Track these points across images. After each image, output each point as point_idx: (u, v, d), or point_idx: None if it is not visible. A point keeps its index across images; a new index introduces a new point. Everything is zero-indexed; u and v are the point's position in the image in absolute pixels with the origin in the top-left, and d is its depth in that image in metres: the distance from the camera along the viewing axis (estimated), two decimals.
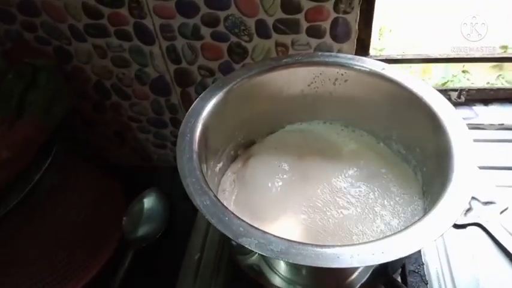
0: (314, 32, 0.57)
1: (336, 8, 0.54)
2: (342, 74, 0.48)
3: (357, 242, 0.35)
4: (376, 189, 0.46)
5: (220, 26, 0.58)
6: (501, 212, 0.52)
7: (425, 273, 0.47)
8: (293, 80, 0.49)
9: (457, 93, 0.68)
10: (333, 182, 0.47)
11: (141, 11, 0.58)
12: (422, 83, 0.44)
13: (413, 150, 0.47)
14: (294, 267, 0.43)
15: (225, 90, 0.45)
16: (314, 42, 0.58)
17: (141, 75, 0.68)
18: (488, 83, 0.71)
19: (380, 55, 0.65)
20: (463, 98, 0.69)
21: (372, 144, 0.52)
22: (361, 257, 0.30)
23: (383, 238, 0.31)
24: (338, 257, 0.30)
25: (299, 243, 0.31)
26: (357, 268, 0.42)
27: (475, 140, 0.38)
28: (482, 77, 0.73)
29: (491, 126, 0.66)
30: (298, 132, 0.54)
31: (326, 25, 0.56)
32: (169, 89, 0.70)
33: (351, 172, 0.48)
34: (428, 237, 0.31)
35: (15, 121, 0.55)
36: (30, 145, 0.55)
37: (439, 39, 0.66)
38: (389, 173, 0.48)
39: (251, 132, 0.53)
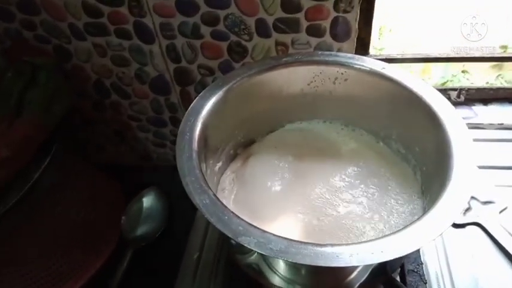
0: (314, 31, 0.57)
1: (336, 7, 0.54)
2: (342, 73, 0.48)
3: (356, 241, 0.35)
4: (375, 188, 0.46)
5: (220, 25, 0.58)
6: (500, 212, 0.52)
7: (425, 272, 0.47)
8: (293, 79, 0.49)
9: (456, 92, 0.68)
10: (333, 181, 0.47)
11: (141, 9, 0.58)
12: (422, 82, 0.44)
13: (413, 150, 0.47)
14: (294, 267, 0.42)
15: (224, 89, 0.45)
16: (314, 41, 0.58)
17: (141, 74, 0.68)
18: (487, 82, 0.71)
19: (380, 54, 0.65)
20: (462, 98, 0.69)
21: (371, 144, 0.52)
22: (360, 256, 0.30)
23: (382, 237, 0.31)
24: (337, 256, 0.30)
25: (298, 242, 0.31)
26: (356, 267, 0.42)
27: (475, 140, 0.38)
28: (481, 76, 0.73)
29: (491, 126, 0.66)
30: (298, 131, 0.54)
31: (326, 24, 0.56)
32: (169, 88, 0.70)
33: (350, 171, 0.48)
34: (427, 236, 0.31)
35: (15, 120, 0.55)
36: (29, 144, 0.55)
37: (439, 39, 0.66)
38: (388, 172, 0.48)
39: (251, 131, 0.52)
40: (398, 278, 0.47)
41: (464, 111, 0.68)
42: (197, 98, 0.44)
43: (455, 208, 0.33)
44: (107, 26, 0.61)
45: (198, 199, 0.34)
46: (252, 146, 0.53)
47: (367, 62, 0.47)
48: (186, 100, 0.72)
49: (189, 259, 0.52)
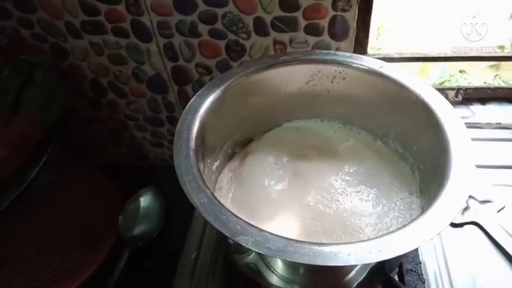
0: (312, 30, 0.57)
1: (334, 6, 0.54)
2: (340, 72, 0.48)
3: (355, 240, 0.35)
4: (373, 187, 0.46)
5: (218, 24, 0.58)
6: (498, 211, 0.52)
7: (423, 272, 0.47)
8: (291, 77, 0.49)
9: (454, 92, 0.69)
10: (330, 179, 0.47)
11: (139, 8, 0.57)
12: (420, 81, 0.44)
13: (411, 149, 0.47)
14: (292, 266, 0.42)
15: (222, 87, 0.45)
16: (312, 40, 0.58)
17: (138, 72, 0.68)
18: (485, 82, 0.71)
19: (378, 54, 0.65)
20: (460, 97, 0.69)
21: (369, 142, 0.51)
22: (358, 255, 0.29)
23: (380, 236, 0.31)
24: (335, 255, 0.29)
25: (296, 241, 0.30)
26: (354, 266, 0.42)
27: (472, 139, 0.37)
28: (479, 76, 0.73)
29: (489, 125, 0.66)
30: (296, 130, 0.54)
31: (324, 23, 0.56)
32: (167, 86, 0.70)
33: (348, 170, 0.48)
34: (425, 235, 0.31)
35: (11, 118, 0.55)
36: (26, 142, 0.55)
37: (437, 39, 0.66)
38: (386, 171, 0.48)
39: (249, 130, 0.52)
40: (396, 278, 0.47)
41: (462, 111, 0.68)
42: (195, 96, 0.44)
43: (453, 207, 0.33)
44: (104, 24, 0.60)
45: (195, 198, 0.34)
46: (250, 145, 0.53)
47: (365, 61, 0.47)
48: (184, 99, 0.71)
49: (187, 259, 0.52)
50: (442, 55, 0.62)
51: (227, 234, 0.31)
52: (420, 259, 0.48)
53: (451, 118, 0.40)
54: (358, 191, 0.46)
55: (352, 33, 0.57)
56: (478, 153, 0.59)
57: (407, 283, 0.45)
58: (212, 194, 0.34)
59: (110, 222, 0.69)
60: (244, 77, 0.46)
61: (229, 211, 0.33)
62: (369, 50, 0.62)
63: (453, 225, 0.51)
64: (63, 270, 0.62)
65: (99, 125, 0.80)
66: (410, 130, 0.46)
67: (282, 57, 0.48)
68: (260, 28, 0.57)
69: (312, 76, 0.49)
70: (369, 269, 0.43)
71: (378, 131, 0.51)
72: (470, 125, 0.66)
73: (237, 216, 0.32)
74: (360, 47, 0.60)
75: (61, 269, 0.62)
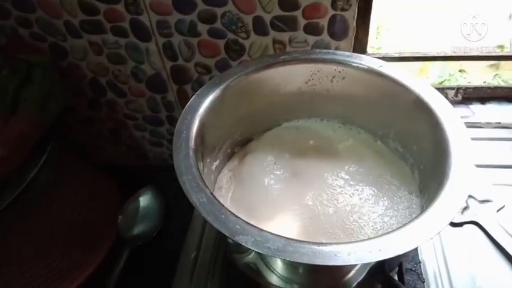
0: (312, 29, 0.57)
1: (333, 5, 0.53)
2: (340, 72, 0.48)
3: (354, 240, 0.35)
4: (373, 187, 0.46)
5: (217, 23, 0.58)
6: (498, 210, 0.52)
7: (422, 271, 0.47)
8: (290, 77, 0.49)
9: (454, 91, 0.69)
10: (330, 179, 0.47)
11: (138, 7, 0.57)
12: (420, 80, 0.44)
13: (411, 148, 0.47)
14: (291, 266, 0.42)
15: (222, 87, 0.45)
16: (311, 39, 0.58)
17: (137, 72, 0.68)
18: (485, 82, 0.71)
19: (377, 53, 0.65)
20: (460, 97, 0.69)
21: (369, 142, 0.51)
22: (358, 254, 0.29)
23: (380, 236, 0.31)
24: (335, 255, 0.29)
25: (296, 240, 0.30)
26: (354, 266, 0.42)
27: (472, 139, 0.37)
28: (479, 76, 0.73)
29: (488, 125, 0.66)
30: (295, 129, 0.54)
31: (324, 22, 0.56)
32: (166, 86, 0.70)
33: (347, 169, 0.48)
34: (425, 235, 0.31)
35: (10, 117, 0.55)
36: (25, 142, 0.55)
37: (437, 39, 0.66)
38: (386, 170, 0.48)
39: (248, 129, 0.52)
40: (396, 277, 0.47)
41: (461, 110, 0.68)
42: (194, 96, 0.44)
43: (453, 207, 0.33)
44: (103, 23, 0.60)
45: (195, 198, 0.34)
46: (249, 144, 0.53)
47: (364, 60, 0.47)
48: (183, 98, 0.71)
49: (186, 258, 0.52)
50: (442, 54, 0.62)
51: (227, 234, 0.31)
52: (420, 258, 0.48)
53: (451, 117, 0.40)
54: (358, 191, 0.46)
55: (351, 33, 0.57)
56: (478, 153, 0.59)
57: (407, 282, 0.45)
58: (211, 193, 0.34)
59: (109, 221, 0.69)
60: (244, 76, 0.46)
61: (229, 211, 0.33)
62: (369, 50, 0.62)
63: (453, 224, 0.51)
64: (63, 270, 0.62)
65: (98, 125, 0.80)
66: (410, 130, 0.46)
67: (282, 57, 0.48)
68: (259, 27, 0.57)
69: (311, 75, 0.49)
70: (368, 268, 0.43)
71: (378, 131, 0.51)
72: (470, 125, 0.66)
73: (237, 216, 0.32)
74: (360, 46, 0.60)
75: (60, 269, 0.62)
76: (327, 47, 0.58)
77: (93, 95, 0.73)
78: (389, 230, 0.36)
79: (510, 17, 0.64)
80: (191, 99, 0.43)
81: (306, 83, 0.50)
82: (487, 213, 0.52)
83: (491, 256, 0.48)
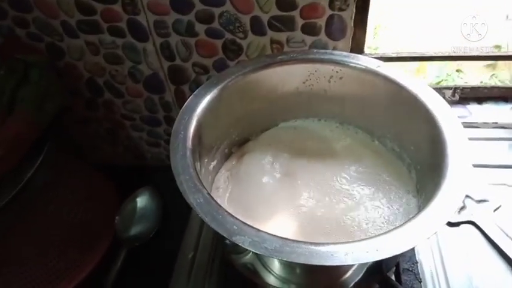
0: (309, 29, 0.57)
1: (331, 5, 0.53)
2: (337, 72, 0.48)
3: (351, 240, 0.35)
4: (370, 186, 0.46)
5: (215, 23, 0.58)
6: (494, 210, 0.52)
7: (419, 271, 0.47)
8: (288, 77, 0.49)
9: (451, 91, 0.69)
10: (328, 179, 0.47)
11: (135, 7, 0.57)
12: (418, 80, 0.44)
13: (408, 148, 0.47)
14: (288, 266, 0.42)
15: (219, 87, 0.45)
16: (309, 39, 0.58)
17: (135, 72, 0.67)
18: (482, 82, 0.71)
19: (375, 53, 0.65)
20: (457, 97, 0.69)
21: (366, 142, 0.51)
22: (355, 254, 0.29)
23: (377, 236, 0.31)
24: (332, 255, 0.29)
25: (293, 241, 0.30)
26: (351, 266, 0.42)
27: (469, 138, 0.37)
28: (476, 76, 0.73)
29: (485, 125, 0.66)
30: (293, 129, 0.54)
31: (321, 22, 0.56)
32: (163, 86, 0.69)
33: (345, 169, 0.48)
34: (422, 234, 0.31)
35: (7, 117, 0.55)
36: (21, 142, 0.55)
37: (437, 39, 0.66)
38: (383, 170, 0.48)
39: (246, 130, 0.52)
40: (393, 277, 0.47)
41: (458, 110, 0.68)
42: (191, 96, 0.44)
43: (449, 207, 0.33)
44: (100, 23, 0.60)
45: (192, 198, 0.34)
46: (247, 144, 0.53)
47: (362, 61, 0.47)
48: (181, 99, 0.71)
49: (184, 259, 0.52)
50: (439, 54, 0.62)
51: (224, 235, 0.31)
52: (417, 258, 0.48)
53: (448, 117, 0.40)
54: (355, 190, 0.46)
55: (349, 33, 0.57)
56: (475, 153, 0.59)
57: (404, 282, 0.46)
58: (209, 193, 0.34)
59: (106, 222, 0.69)
60: (241, 76, 0.46)
61: (226, 211, 0.33)
62: (366, 50, 0.62)
63: (450, 224, 0.51)
64: (60, 270, 0.62)
65: (95, 125, 0.80)
66: (407, 129, 0.46)
67: (279, 57, 0.48)
68: (257, 27, 0.57)
69: (309, 75, 0.49)
70: (365, 268, 0.43)
71: (375, 131, 0.51)
72: (467, 125, 0.66)
73: (234, 216, 0.32)
74: (357, 46, 0.60)
75: (57, 269, 0.62)
76: (325, 47, 0.58)
77: (90, 95, 0.73)
78: (386, 229, 0.36)
79: (507, 17, 0.64)
80: (188, 99, 0.43)
81: (304, 83, 0.50)
82: (483, 213, 0.52)
83: (488, 256, 0.48)
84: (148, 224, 0.69)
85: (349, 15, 0.55)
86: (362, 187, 0.46)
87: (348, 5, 0.53)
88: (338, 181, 0.47)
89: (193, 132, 0.40)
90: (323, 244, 0.30)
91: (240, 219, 0.32)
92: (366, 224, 0.42)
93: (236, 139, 0.52)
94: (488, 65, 0.73)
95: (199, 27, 0.59)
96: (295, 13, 0.55)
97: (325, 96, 0.50)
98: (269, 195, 0.46)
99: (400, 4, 0.68)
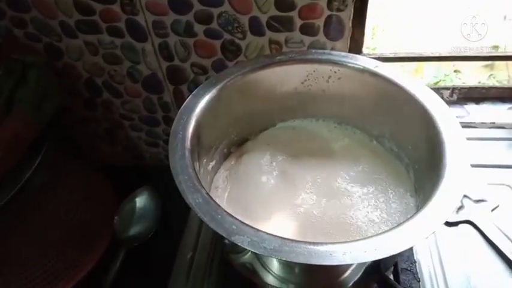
0: (308, 30, 0.57)
1: (329, 5, 0.54)
2: (335, 72, 0.48)
3: (350, 239, 0.35)
4: (368, 186, 0.46)
5: (214, 23, 0.58)
6: (492, 210, 0.52)
7: (418, 271, 0.47)
8: (286, 77, 0.49)
9: (449, 91, 0.69)
10: (326, 178, 0.47)
11: (134, 7, 0.57)
12: (416, 81, 0.44)
13: (406, 148, 0.47)
14: (287, 265, 0.42)
15: (218, 87, 0.45)
16: (307, 40, 0.58)
17: (133, 72, 0.67)
18: (479, 82, 0.72)
19: (373, 54, 0.65)
20: (455, 97, 0.69)
21: (364, 142, 0.52)
22: (353, 254, 0.30)
23: (375, 235, 0.31)
24: (331, 254, 0.30)
25: (292, 240, 0.30)
26: (349, 266, 0.42)
27: (467, 138, 0.38)
28: (474, 76, 0.73)
29: (483, 125, 0.66)
30: (291, 129, 0.54)
31: (320, 23, 0.56)
32: (162, 86, 0.69)
33: (343, 169, 0.48)
34: (420, 234, 0.31)
35: (5, 118, 0.55)
36: (19, 142, 0.55)
37: (434, 39, 0.66)
38: (382, 170, 0.48)
39: (244, 129, 0.52)
40: (391, 277, 0.47)
41: (456, 110, 0.68)
42: (190, 96, 0.44)
43: (448, 206, 0.33)
44: (98, 23, 0.60)
45: (191, 198, 0.34)
46: (246, 144, 0.53)
47: (360, 61, 0.47)
48: (179, 99, 0.71)
49: (183, 259, 0.52)
50: (437, 55, 0.62)
51: (223, 234, 0.31)
52: (415, 258, 0.48)
53: (446, 117, 0.40)
54: (354, 190, 0.46)
55: (347, 33, 0.57)
56: (473, 153, 0.59)
57: (403, 282, 0.46)
58: (207, 193, 0.34)
59: (105, 221, 0.69)
60: (240, 76, 0.46)
61: (225, 211, 0.33)
62: (364, 50, 0.62)
63: (448, 224, 0.52)
64: (58, 270, 0.62)
65: (94, 125, 0.80)
66: (405, 130, 0.46)
67: (278, 57, 0.48)
68: (256, 28, 0.57)
69: (307, 76, 0.49)
70: (364, 268, 0.43)
71: (373, 131, 0.51)
72: (465, 125, 0.66)
73: (233, 216, 0.32)
74: (355, 46, 0.60)
75: (56, 269, 0.62)
76: (323, 47, 0.59)
77: (88, 95, 0.73)
78: (385, 229, 0.36)
79: (505, 18, 0.65)
80: (187, 99, 0.43)
81: (302, 83, 0.50)
82: (481, 212, 0.52)
83: (485, 255, 0.48)
84: (147, 224, 0.69)
85: (347, 15, 0.55)
86: (360, 187, 0.46)
87: (346, 6, 0.53)
88: (336, 181, 0.47)
89: (192, 132, 0.40)
90: (322, 244, 0.30)
91: (239, 219, 0.32)
92: (364, 223, 0.43)
93: (235, 139, 0.52)
94: (486, 66, 0.73)
95: (198, 28, 0.59)
96: (294, 13, 0.55)
97: (323, 96, 0.50)
98: (268, 195, 0.46)
99: (398, 5, 0.68)
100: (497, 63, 0.72)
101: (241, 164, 0.49)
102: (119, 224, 0.68)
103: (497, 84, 0.71)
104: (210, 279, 0.49)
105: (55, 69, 0.67)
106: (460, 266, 0.47)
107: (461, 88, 0.69)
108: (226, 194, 0.47)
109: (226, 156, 0.51)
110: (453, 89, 0.69)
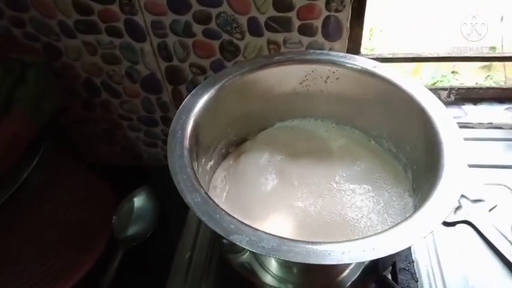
0: (306, 30, 0.57)
1: (327, 6, 0.54)
2: (334, 72, 0.48)
3: (348, 239, 0.35)
4: (366, 186, 0.46)
5: (212, 24, 0.58)
6: (490, 210, 0.53)
7: (416, 270, 0.47)
8: (285, 77, 0.49)
9: (446, 92, 0.69)
10: (324, 178, 0.47)
11: (133, 7, 0.57)
12: (413, 81, 0.44)
13: (404, 148, 0.47)
14: (286, 265, 0.42)
15: (216, 87, 0.45)
16: (306, 40, 0.58)
17: (132, 72, 0.67)
18: (477, 83, 0.72)
19: (371, 54, 0.65)
20: (452, 97, 0.70)
21: (363, 142, 0.52)
22: (352, 253, 0.30)
23: (374, 235, 0.31)
24: (329, 254, 0.30)
25: (290, 240, 0.31)
26: (348, 265, 0.42)
27: (464, 139, 0.38)
28: (471, 77, 0.74)
29: (480, 125, 0.67)
30: (290, 129, 0.54)
31: (318, 23, 0.56)
32: (161, 86, 0.69)
33: (341, 169, 0.48)
34: (418, 234, 0.31)
35: (3, 118, 0.55)
36: (18, 142, 0.55)
37: (434, 40, 0.66)
38: (380, 170, 0.48)
39: (243, 129, 0.52)
40: (390, 276, 0.47)
41: (454, 111, 0.68)
42: (189, 95, 0.44)
43: (445, 206, 0.33)
44: (97, 23, 0.60)
45: (189, 197, 0.34)
46: (244, 144, 0.53)
47: (358, 61, 0.47)
48: (178, 99, 0.71)
49: (181, 259, 0.52)
50: (435, 55, 0.63)
51: (221, 234, 0.31)
52: (413, 258, 0.48)
53: (444, 118, 0.40)
54: (352, 190, 0.46)
55: (345, 34, 0.57)
56: (470, 153, 0.60)
57: (401, 282, 0.46)
58: (206, 193, 0.34)
59: (103, 221, 0.69)
60: (239, 76, 0.46)
61: (223, 210, 0.33)
62: (362, 50, 0.62)
63: (445, 224, 0.52)
64: (57, 270, 0.62)
65: (92, 125, 0.80)
66: (403, 130, 0.46)
67: (276, 57, 0.48)
68: (254, 28, 0.58)
69: (305, 76, 0.49)
70: (362, 267, 0.43)
71: (372, 131, 0.52)
72: (463, 125, 0.66)
73: (231, 216, 0.32)
74: (354, 47, 0.60)
75: (54, 269, 0.62)
76: (321, 47, 0.59)
77: (87, 95, 0.73)
78: (383, 229, 0.36)
79: (502, 19, 0.65)
80: (186, 99, 0.43)
81: (301, 83, 0.50)
82: (479, 212, 0.52)
83: (483, 255, 0.49)
84: (146, 224, 0.69)
85: (345, 16, 0.55)
86: (358, 186, 0.46)
87: (344, 6, 0.54)
88: (335, 181, 0.47)
89: (191, 132, 0.40)
90: (320, 243, 0.30)
91: (238, 218, 0.32)
92: (363, 223, 0.43)
93: (233, 139, 0.52)
94: (484, 67, 0.73)
95: (197, 28, 0.59)
96: (292, 14, 0.55)
97: (321, 96, 0.51)
98: (266, 195, 0.46)
99: (396, 6, 0.68)
100: (495, 64, 0.72)
101: (240, 164, 0.49)
102: (117, 224, 0.68)
103: (494, 85, 0.71)
104: (209, 279, 0.49)
105: (54, 69, 0.67)
106: (458, 266, 0.48)
107: (459, 89, 0.69)
108: (225, 194, 0.47)
109: (224, 156, 0.51)
110: (451, 90, 0.69)
